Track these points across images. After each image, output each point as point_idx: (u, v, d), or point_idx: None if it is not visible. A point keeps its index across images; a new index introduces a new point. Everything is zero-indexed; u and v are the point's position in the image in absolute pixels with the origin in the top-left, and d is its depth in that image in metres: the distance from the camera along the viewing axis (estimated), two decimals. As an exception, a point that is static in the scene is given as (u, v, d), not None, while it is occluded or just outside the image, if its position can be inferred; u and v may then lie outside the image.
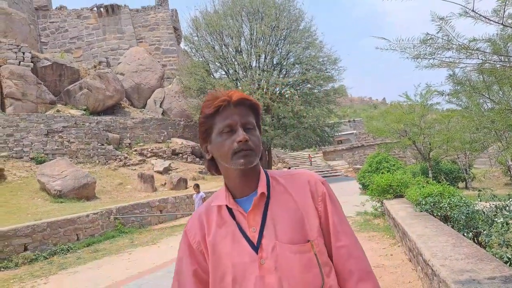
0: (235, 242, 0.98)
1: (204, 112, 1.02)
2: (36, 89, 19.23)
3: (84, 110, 20.47)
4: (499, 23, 4.21)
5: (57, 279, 6.32)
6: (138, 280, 5.63)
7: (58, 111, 19.52)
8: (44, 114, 18.00)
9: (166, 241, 8.98)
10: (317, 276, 0.94)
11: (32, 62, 20.17)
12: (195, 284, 1.02)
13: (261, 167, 1.07)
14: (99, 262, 7.34)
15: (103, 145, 18.19)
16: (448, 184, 8.28)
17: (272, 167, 25.35)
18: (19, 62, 19.64)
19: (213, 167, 1.07)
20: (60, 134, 16.95)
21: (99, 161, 17.26)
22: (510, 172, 18.72)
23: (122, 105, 23.58)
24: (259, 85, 21.20)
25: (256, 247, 0.96)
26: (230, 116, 0.98)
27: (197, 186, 9.30)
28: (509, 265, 3.50)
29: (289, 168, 27.06)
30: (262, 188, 1.01)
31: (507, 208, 5.22)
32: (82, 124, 18.38)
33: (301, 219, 0.98)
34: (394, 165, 17.39)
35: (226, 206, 1.03)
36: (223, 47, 22.37)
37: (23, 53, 20.02)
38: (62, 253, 8.23)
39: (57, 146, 16.34)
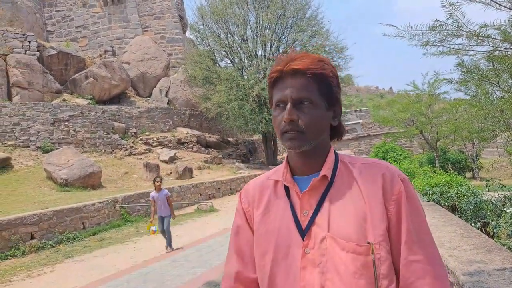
0: (284, 222, 0.89)
1: (268, 80, 0.94)
2: (42, 78, 19.25)
3: (90, 99, 20.49)
4: (511, 9, 4.05)
5: (64, 267, 6.39)
6: (143, 269, 5.67)
7: (64, 100, 19.56)
8: (50, 103, 18.04)
9: (172, 231, 9.01)
10: (370, 285, 0.79)
11: (38, 51, 20.14)
12: (250, 247, 0.96)
13: (331, 147, 0.94)
14: (104, 251, 7.40)
15: (108, 134, 18.24)
16: (455, 174, 8.16)
17: (278, 156, 25.32)
18: (25, 51, 19.62)
19: None
20: (66, 123, 17.01)
21: (105, 150, 17.34)
22: (518, 162, 18.49)
23: (128, 94, 23.57)
24: (264, 74, 21.03)
25: (303, 233, 0.85)
26: (283, 90, 0.88)
27: (159, 180, 7.30)
28: (518, 256, 3.42)
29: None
30: (325, 170, 0.88)
31: (517, 198, 5.14)
32: (88, 113, 18.42)
33: (363, 216, 0.83)
34: (401, 154, 17.27)
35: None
36: (229, 35, 22.18)
37: (29, 42, 19.98)
38: (69, 241, 8.31)
39: (63, 135, 16.42)
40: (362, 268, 0.79)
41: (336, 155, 0.93)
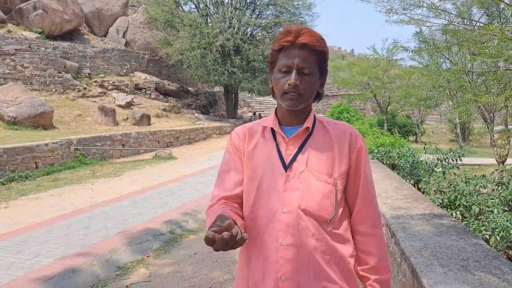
0: (270, 157, 1.14)
1: (273, 45, 1.12)
2: (-19, 3, 17.31)
3: (39, 33, 18.87)
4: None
5: (18, 204, 6.37)
6: (103, 208, 5.83)
7: (9, 31, 17.87)
8: (-8, 33, 16.46)
9: (129, 174, 9.12)
10: (332, 206, 1.09)
11: (-25, -29, 17.90)
12: (237, 175, 1.20)
13: (312, 109, 1.19)
14: (61, 190, 7.40)
15: (60, 73, 17.18)
16: (400, 137, 8.92)
17: (238, 110, 25.43)
18: (-40, -31, 17.35)
19: (274, 93, 1.18)
20: (12, 57, 15.71)
21: (56, 90, 16.42)
22: (456, 129, 20.28)
23: (81, 32, 21.95)
24: (230, 23, 20.46)
25: (286, 167, 1.11)
26: (290, 57, 1.07)
27: None
28: (439, 206, 4.06)
29: (254, 113, 27.36)
30: (308, 123, 1.14)
31: (447, 160, 5.87)
32: (37, 49, 17.09)
33: (332, 159, 1.12)
34: (354, 116, 18.17)
35: (271, 128, 1.17)
36: (194, -23, 21.00)
37: (-36, -41, 17.62)
38: (21, 180, 8.16)
39: (9, 70, 15.23)
40: (329, 193, 1.10)
41: (314, 115, 1.21)
